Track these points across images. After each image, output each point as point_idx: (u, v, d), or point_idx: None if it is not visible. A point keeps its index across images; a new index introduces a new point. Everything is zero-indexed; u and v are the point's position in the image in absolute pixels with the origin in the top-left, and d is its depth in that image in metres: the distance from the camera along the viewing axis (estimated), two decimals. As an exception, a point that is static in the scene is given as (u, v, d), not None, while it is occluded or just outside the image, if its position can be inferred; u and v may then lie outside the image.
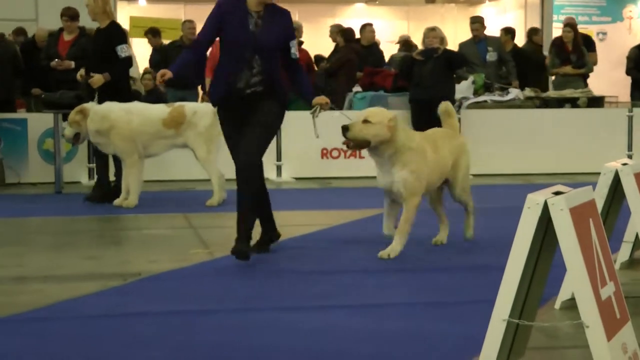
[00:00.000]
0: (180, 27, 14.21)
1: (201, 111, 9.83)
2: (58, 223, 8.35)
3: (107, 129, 8.87)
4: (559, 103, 12.66)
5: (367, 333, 4.53)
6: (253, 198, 6.22)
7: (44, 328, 4.44)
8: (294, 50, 6.36)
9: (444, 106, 6.85)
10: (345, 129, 5.94)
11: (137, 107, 9.19)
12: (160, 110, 9.45)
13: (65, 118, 11.21)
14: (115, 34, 9.43)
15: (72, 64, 11.10)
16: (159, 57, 13.34)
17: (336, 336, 4.46)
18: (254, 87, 6.16)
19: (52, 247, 7.00)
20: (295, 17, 16.84)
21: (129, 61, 10.14)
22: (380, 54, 14.62)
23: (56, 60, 11.12)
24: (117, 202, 9.17)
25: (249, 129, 6.09)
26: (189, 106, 10.01)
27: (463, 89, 12.45)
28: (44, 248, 6.95)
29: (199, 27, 14.10)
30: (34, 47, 12.78)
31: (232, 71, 6.24)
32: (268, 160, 11.94)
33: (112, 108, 9.41)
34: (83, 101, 10.22)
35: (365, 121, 5.92)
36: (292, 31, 6.43)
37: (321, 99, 6.37)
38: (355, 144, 6.05)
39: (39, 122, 11.54)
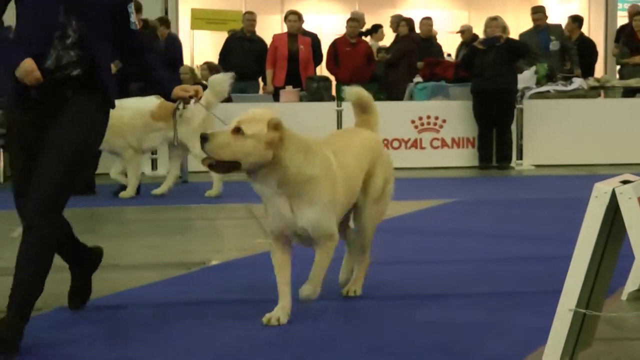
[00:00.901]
0: (241, 18, 14.45)
1: (190, 106, 9.40)
2: (123, 212, 8.57)
3: None
4: (625, 93, 12.78)
5: (431, 323, 4.54)
6: (40, 264, 4.05)
7: (113, 315, 4.56)
8: (133, 19, 4.46)
9: (355, 93, 4.98)
10: (204, 139, 4.06)
11: (129, 101, 9.23)
12: (149, 103, 9.46)
13: None
14: None
15: None
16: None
17: (399, 326, 4.49)
18: (68, 68, 4.12)
19: (117, 236, 7.18)
20: (356, 7, 17.09)
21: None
22: (437, 47, 14.83)
23: None
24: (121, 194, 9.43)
25: (48, 156, 3.99)
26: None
27: (525, 78, 12.71)
28: (110, 237, 7.16)
29: (260, 19, 14.62)
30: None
31: (35, 42, 4.15)
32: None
33: None
34: (147, 93, 10.45)
35: (237, 130, 4.03)
36: None
37: (184, 89, 4.48)
38: (219, 165, 4.12)
39: None
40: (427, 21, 14.65)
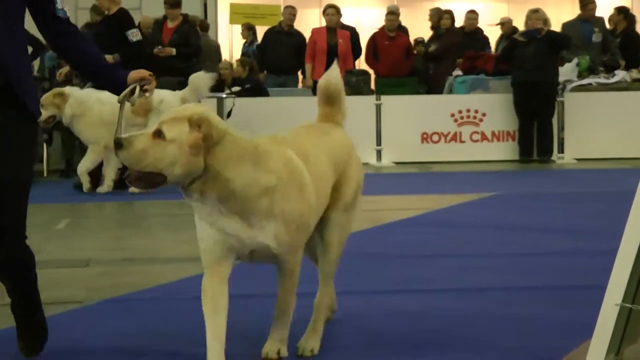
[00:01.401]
0: (280, 12, 14.48)
1: (167, 100, 10.02)
2: (159, 206, 8.77)
3: (80, 115, 9.44)
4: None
5: (471, 317, 4.55)
6: None
7: (152, 308, 4.62)
8: (59, 4, 3.70)
9: (324, 83, 4.14)
10: (118, 145, 3.18)
11: (107, 95, 9.50)
12: None
13: None
14: (125, 20, 10.48)
15: (174, 50, 11.90)
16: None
17: (440, 320, 4.51)
18: None
19: (154, 229, 7.29)
20: (394, 0, 17.03)
21: (139, 45, 10.74)
22: (484, 39, 14.85)
23: (158, 47, 11.85)
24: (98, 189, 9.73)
25: None
26: (155, 94, 9.88)
27: (567, 71, 12.82)
28: (147, 231, 7.26)
29: (298, 13, 14.87)
30: (142, 33, 13.24)
31: None
32: (368, 144, 12.39)
33: (90, 95, 9.86)
34: (182, 87, 10.68)
35: (158, 133, 3.16)
36: None
37: (140, 73, 3.75)
38: (140, 179, 3.20)
39: None
40: (472, 15, 14.71)
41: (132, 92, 3.69)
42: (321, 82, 4.09)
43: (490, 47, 14.55)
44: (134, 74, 3.69)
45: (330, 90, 4.05)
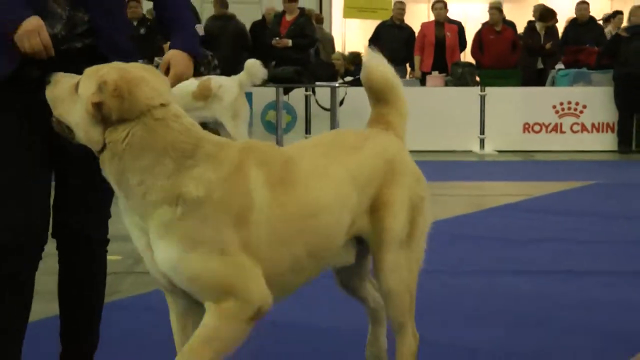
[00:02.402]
0: (391, 7, 14.86)
1: (225, 85, 10.35)
2: None
3: None
4: None
5: (572, 300, 4.65)
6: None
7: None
8: None
9: (365, 75, 3.13)
10: (47, 81, 2.67)
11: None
12: (190, 83, 9.88)
13: (286, 92, 12.56)
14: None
15: (290, 42, 12.53)
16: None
17: (540, 302, 4.61)
18: (79, 39, 2.95)
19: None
20: (499, -5, 17.12)
21: (201, 40, 11.20)
22: (598, 29, 14.59)
23: (276, 38, 12.51)
24: None
25: (76, 175, 2.94)
26: (214, 79, 10.53)
27: None
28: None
29: (408, 7, 15.19)
30: (264, 26, 14.03)
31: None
32: (472, 133, 12.91)
33: None
34: (303, 76, 11.37)
35: (77, 85, 2.61)
36: None
37: (184, 68, 3.06)
38: (57, 123, 2.65)
39: (262, 95, 12.70)
40: (582, 5, 14.53)
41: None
42: (362, 74, 3.17)
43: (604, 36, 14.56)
44: (174, 66, 3.02)
45: (375, 84, 3.13)
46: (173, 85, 2.90)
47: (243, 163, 2.62)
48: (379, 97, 3.11)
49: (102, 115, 2.47)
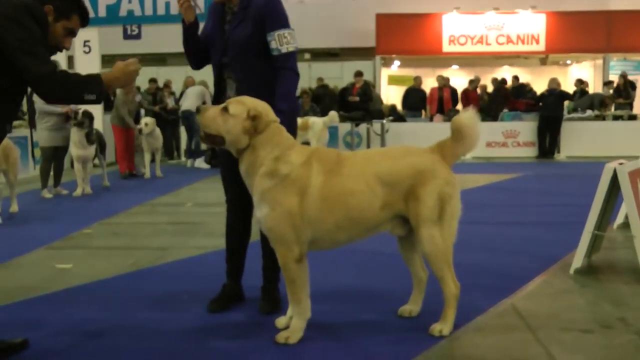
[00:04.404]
0: (413, 80, 19.84)
1: (315, 122, 13.49)
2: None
3: None
4: None
5: (508, 235, 6.13)
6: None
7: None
8: (274, 45, 4.10)
9: (459, 121, 3.99)
10: (198, 110, 3.82)
11: None
12: (298, 120, 10.80)
13: (356, 125, 16.51)
14: None
15: (358, 98, 16.72)
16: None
17: (489, 242, 5.94)
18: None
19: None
20: None
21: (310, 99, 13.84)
22: (528, 91, 18.97)
23: (351, 96, 16.28)
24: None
25: None
26: (310, 119, 13.72)
27: None
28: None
29: (425, 80, 19.17)
30: (346, 89, 18.04)
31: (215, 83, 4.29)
32: None
33: None
34: (365, 117, 15.83)
35: (225, 109, 3.79)
36: (269, 17, 4.14)
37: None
38: (207, 136, 3.82)
39: (344, 127, 16.90)
40: (517, 78, 19.22)
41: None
42: (456, 123, 3.93)
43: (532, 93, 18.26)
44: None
45: (460, 129, 3.91)
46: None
47: (311, 158, 3.80)
48: (453, 134, 3.93)
49: (253, 131, 3.70)
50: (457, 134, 3.96)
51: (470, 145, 3.96)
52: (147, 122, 13.58)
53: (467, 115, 3.99)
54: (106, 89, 3.46)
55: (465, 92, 19.60)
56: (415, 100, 19.21)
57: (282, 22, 4.24)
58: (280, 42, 4.11)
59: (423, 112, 19.37)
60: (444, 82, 19.20)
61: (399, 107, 20.15)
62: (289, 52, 4.17)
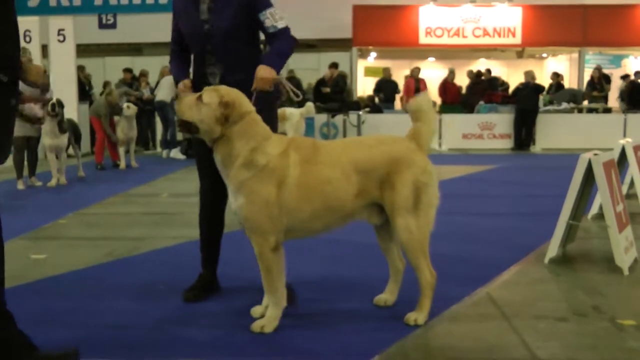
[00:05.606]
0: (382, 70, 20.31)
1: (292, 112, 13.73)
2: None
3: None
4: None
5: (483, 225, 6.22)
6: None
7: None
8: (269, 22, 4.14)
9: (416, 103, 4.12)
10: (176, 97, 3.94)
11: None
12: None
13: (332, 116, 16.91)
14: None
15: (328, 89, 16.92)
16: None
17: (462, 233, 6.12)
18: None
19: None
20: None
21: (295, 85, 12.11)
22: (501, 83, 19.84)
23: (324, 88, 17.21)
24: None
25: None
26: (287, 110, 13.97)
27: None
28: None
29: (395, 70, 20.83)
30: (321, 81, 18.37)
31: (195, 70, 4.35)
32: (434, 139, 15.47)
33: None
34: (342, 108, 16.31)
35: (199, 97, 3.78)
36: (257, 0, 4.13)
37: (263, 73, 4.02)
38: (182, 124, 3.85)
39: (320, 118, 17.14)
40: (489, 71, 19.79)
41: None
42: (413, 105, 4.04)
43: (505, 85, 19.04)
44: (258, 72, 4.01)
45: (418, 110, 4.02)
46: (257, 85, 3.96)
47: (288, 148, 3.79)
48: (413, 116, 4.01)
49: (226, 120, 3.66)
50: (417, 114, 4.03)
51: (430, 123, 4.03)
52: (129, 105, 13.72)
53: (422, 97, 4.11)
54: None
55: (445, 83, 20.22)
56: (387, 92, 19.91)
57: (268, 0, 4.30)
58: (274, 18, 4.17)
59: (396, 103, 20.17)
60: (418, 74, 19.67)
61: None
62: (286, 27, 4.22)
